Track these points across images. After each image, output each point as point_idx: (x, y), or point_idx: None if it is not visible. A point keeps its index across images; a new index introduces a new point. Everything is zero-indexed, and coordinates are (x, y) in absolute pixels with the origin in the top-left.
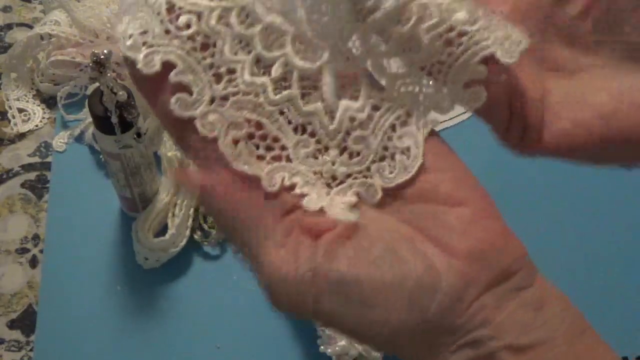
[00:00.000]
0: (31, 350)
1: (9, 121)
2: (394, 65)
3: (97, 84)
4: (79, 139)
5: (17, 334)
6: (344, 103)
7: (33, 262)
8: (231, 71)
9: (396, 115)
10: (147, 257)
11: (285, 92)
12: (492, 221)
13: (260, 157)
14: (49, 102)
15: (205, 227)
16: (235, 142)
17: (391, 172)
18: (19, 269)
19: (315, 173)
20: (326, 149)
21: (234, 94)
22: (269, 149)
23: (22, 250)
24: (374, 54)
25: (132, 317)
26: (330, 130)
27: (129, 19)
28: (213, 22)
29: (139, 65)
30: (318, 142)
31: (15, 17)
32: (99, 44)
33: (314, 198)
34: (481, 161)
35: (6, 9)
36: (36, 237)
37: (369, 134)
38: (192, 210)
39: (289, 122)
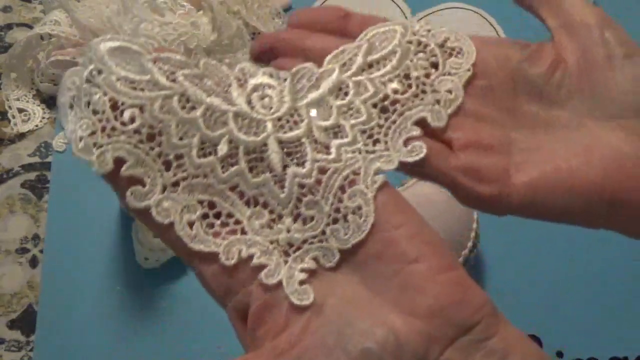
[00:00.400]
0: (31, 350)
1: (9, 121)
2: (337, 133)
3: None
4: None
5: (17, 334)
6: (292, 170)
7: (33, 262)
8: (179, 156)
9: (344, 175)
10: (147, 257)
11: (233, 169)
12: (448, 274)
13: (216, 234)
14: (49, 102)
15: None
16: (191, 224)
17: (345, 234)
18: (19, 269)
19: (271, 242)
20: (280, 217)
21: (184, 178)
22: (223, 225)
23: (22, 250)
24: (317, 125)
25: (132, 317)
26: (282, 199)
27: (74, 120)
28: (156, 111)
29: (94, 167)
30: (271, 212)
31: (15, 17)
32: None
33: (272, 269)
34: None
35: (6, 9)
36: (36, 237)
37: (319, 198)
38: None
39: (241, 196)
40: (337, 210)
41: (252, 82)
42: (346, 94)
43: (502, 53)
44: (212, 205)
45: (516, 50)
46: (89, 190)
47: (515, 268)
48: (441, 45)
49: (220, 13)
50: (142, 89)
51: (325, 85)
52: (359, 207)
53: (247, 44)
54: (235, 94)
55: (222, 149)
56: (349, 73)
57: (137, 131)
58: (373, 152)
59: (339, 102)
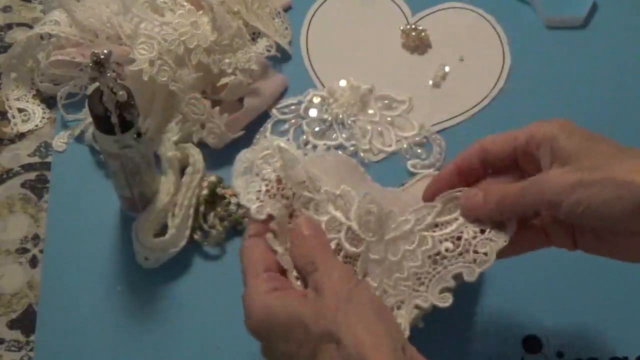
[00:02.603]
0: (31, 350)
1: (9, 121)
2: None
3: (97, 84)
4: (79, 139)
5: (17, 334)
6: (367, 281)
7: (33, 262)
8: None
9: (395, 300)
10: (147, 257)
11: None
12: None
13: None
14: (49, 102)
15: (205, 227)
16: (297, 278)
17: None
18: (19, 269)
19: None
20: None
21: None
22: None
23: (22, 250)
24: (389, 259)
25: (132, 317)
26: None
27: (244, 182)
28: (298, 205)
29: (252, 213)
30: None
31: (15, 17)
32: (99, 44)
33: None
34: None
35: (6, 9)
36: (36, 237)
37: None
38: (192, 210)
39: None
40: None
41: (367, 206)
42: (413, 242)
43: None
44: None
45: None
46: (89, 190)
47: (515, 268)
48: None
49: (220, 13)
50: (302, 188)
51: (401, 233)
52: (400, 324)
53: (247, 44)
54: (353, 214)
55: (331, 247)
56: (419, 227)
57: (286, 205)
58: (417, 290)
59: (405, 247)
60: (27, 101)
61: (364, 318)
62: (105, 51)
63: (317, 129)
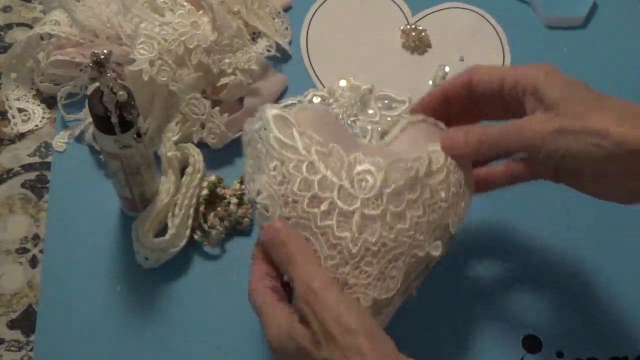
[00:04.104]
0: (31, 350)
1: (9, 121)
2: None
3: (97, 84)
4: (79, 139)
5: (17, 334)
6: (364, 237)
7: (33, 262)
8: (295, 201)
9: (394, 253)
10: (147, 257)
11: (327, 222)
12: None
13: None
14: (49, 102)
15: (205, 227)
16: None
17: (381, 290)
18: (19, 269)
19: (334, 277)
20: (345, 264)
21: (294, 217)
22: None
23: (22, 250)
24: (390, 210)
25: (132, 317)
26: (352, 253)
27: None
28: (290, 168)
29: (249, 194)
30: (342, 258)
31: (15, 17)
32: (99, 44)
33: None
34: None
35: (6, 9)
36: (36, 237)
37: (375, 262)
38: (192, 210)
39: (327, 241)
40: (382, 273)
41: (359, 168)
42: (416, 191)
43: None
44: (307, 240)
45: None
46: (89, 190)
47: (515, 268)
48: (464, 174)
49: (220, 13)
50: (287, 150)
51: (406, 182)
52: (394, 276)
53: (247, 44)
54: (344, 173)
55: (324, 207)
56: (420, 175)
57: (275, 177)
58: (417, 240)
59: (409, 196)
60: (27, 101)
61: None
62: (105, 51)
63: None
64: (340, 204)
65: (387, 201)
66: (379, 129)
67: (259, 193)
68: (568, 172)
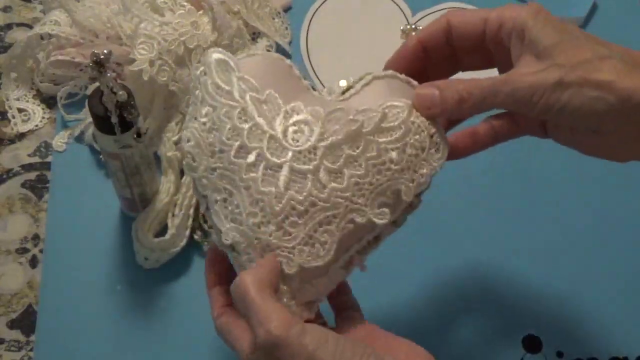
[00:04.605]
0: (31, 350)
1: (9, 121)
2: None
3: (97, 84)
4: (79, 139)
5: (17, 334)
6: (290, 194)
7: (33, 262)
8: (222, 151)
9: (325, 215)
10: (147, 257)
11: (251, 175)
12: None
13: (225, 216)
14: (49, 102)
15: (205, 227)
16: (216, 201)
17: (308, 256)
18: (19, 269)
19: (256, 238)
20: (268, 222)
21: (220, 167)
22: (232, 211)
23: (22, 250)
24: (324, 166)
25: (132, 317)
26: (275, 211)
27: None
28: (221, 114)
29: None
30: (264, 216)
31: (15, 17)
32: (99, 44)
33: (251, 258)
34: (484, 154)
35: (6, 9)
36: (36, 237)
37: (301, 223)
38: (192, 210)
39: (250, 196)
40: (310, 237)
41: (295, 118)
42: (357, 147)
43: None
44: (230, 193)
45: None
46: (89, 190)
47: (515, 268)
48: (431, 136)
49: (220, 13)
50: (221, 95)
51: (346, 135)
52: (325, 242)
53: (247, 44)
54: (277, 122)
55: (251, 158)
56: (366, 130)
57: (205, 123)
58: (355, 203)
59: (349, 152)
60: (27, 101)
61: None
62: (105, 51)
63: None
64: (268, 155)
65: (322, 156)
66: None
67: (188, 140)
68: (560, 127)
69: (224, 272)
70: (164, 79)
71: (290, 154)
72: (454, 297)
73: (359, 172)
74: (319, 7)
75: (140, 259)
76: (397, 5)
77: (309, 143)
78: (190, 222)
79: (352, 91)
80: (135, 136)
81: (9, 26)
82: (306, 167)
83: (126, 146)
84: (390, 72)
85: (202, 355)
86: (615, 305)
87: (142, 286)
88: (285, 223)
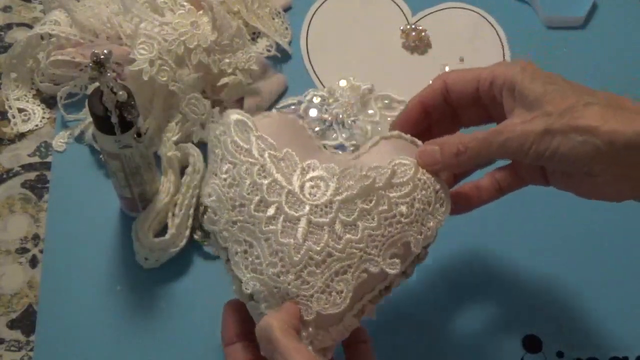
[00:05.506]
0: (31, 350)
1: (9, 121)
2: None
3: (97, 84)
4: (79, 139)
5: (17, 334)
6: (308, 245)
7: (33, 262)
8: (242, 205)
9: (341, 265)
10: (147, 257)
11: (271, 227)
12: None
13: (246, 267)
14: (49, 102)
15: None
16: (236, 253)
17: (326, 304)
18: (19, 269)
19: (275, 287)
20: (287, 272)
21: (240, 221)
22: (252, 262)
23: (22, 250)
24: (339, 219)
25: (132, 317)
26: (294, 261)
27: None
28: (242, 171)
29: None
30: (283, 266)
31: (15, 17)
32: (99, 44)
33: (272, 304)
34: None
35: (6, 9)
36: (36, 237)
37: (319, 272)
38: (192, 210)
39: (269, 247)
40: (327, 285)
41: (312, 174)
42: (370, 201)
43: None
44: (251, 245)
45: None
46: (89, 190)
47: (515, 268)
48: (436, 192)
49: (220, 13)
50: (240, 153)
51: (359, 190)
52: (342, 291)
53: (247, 44)
54: (295, 178)
55: (270, 211)
56: (378, 185)
57: (225, 179)
58: (369, 254)
59: (362, 206)
60: (27, 101)
61: None
62: (105, 51)
63: (317, 129)
64: (287, 209)
65: (338, 209)
66: (352, 146)
67: (209, 196)
68: (557, 174)
69: (243, 324)
70: (164, 79)
71: (307, 207)
72: (453, 296)
73: (372, 225)
74: (319, 7)
75: (140, 259)
76: (397, 5)
77: (325, 197)
78: (190, 222)
79: (361, 150)
80: (135, 136)
81: (9, 26)
82: (323, 219)
83: (126, 146)
84: (396, 132)
85: (202, 355)
86: (615, 305)
87: (142, 286)
88: (303, 272)
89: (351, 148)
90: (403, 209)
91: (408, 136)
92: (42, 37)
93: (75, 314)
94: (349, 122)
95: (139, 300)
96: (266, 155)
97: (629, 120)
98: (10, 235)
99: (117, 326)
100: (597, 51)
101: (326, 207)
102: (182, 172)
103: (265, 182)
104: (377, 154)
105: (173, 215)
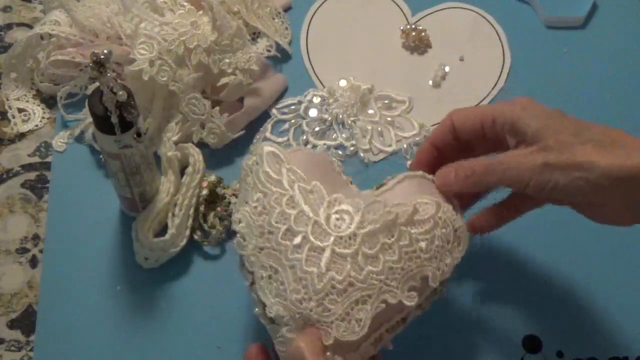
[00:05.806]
0: (31, 350)
1: (9, 121)
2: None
3: (97, 84)
4: (79, 139)
5: (17, 334)
6: (331, 274)
7: (33, 262)
8: (270, 232)
9: (361, 294)
10: (147, 257)
11: (297, 255)
12: None
13: (270, 292)
14: (49, 102)
15: (205, 227)
16: (261, 277)
17: (345, 331)
18: (19, 269)
19: (298, 313)
20: (310, 299)
21: (268, 247)
22: (277, 287)
23: (22, 250)
24: (362, 251)
25: (132, 317)
26: (317, 289)
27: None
28: (272, 200)
29: (234, 224)
30: (306, 293)
31: (15, 17)
32: (99, 44)
33: (293, 328)
34: None
35: (6, 9)
36: (36, 237)
37: (340, 300)
38: (192, 210)
39: (294, 274)
40: (347, 313)
41: (337, 207)
42: (392, 236)
43: None
44: (276, 271)
45: None
46: (89, 190)
47: (515, 268)
48: (455, 230)
49: (220, 13)
50: (271, 183)
51: (382, 224)
52: (361, 320)
53: (247, 44)
54: (321, 210)
55: (297, 240)
56: (399, 221)
57: (256, 207)
58: (388, 285)
59: (384, 240)
60: (27, 101)
61: None
62: (105, 51)
63: (317, 129)
64: (312, 238)
65: (361, 242)
66: (352, 146)
67: (239, 222)
68: (565, 203)
69: None
70: (164, 79)
71: (332, 238)
72: (453, 296)
73: (393, 258)
74: (319, 7)
75: (140, 259)
76: (397, 5)
77: (350, 230)
78: (190, 222)
79: (384, 188)
80: (135, 136)
81: (9, 26)
82: (346, 251)
83: (126, 146)
84: (420, 172)
85: (202, 355)
86: (615, 305)
87: (142, 286)
88: (325, 300)
89: (351, 148)
90: (423, 245)
91: (430, 176)
92: (42, 37)
93: (75, 314)
94: (349, 122)
95: (139, 300)
96: (296, 187)
97: (626, 156)
98: (10, 235)
99: (117, 326)
100: (597, 51)
101: (350, 239)
102: (182, 172)
103: (294, 212)
104: (401, 192)
105: (173, 215)
